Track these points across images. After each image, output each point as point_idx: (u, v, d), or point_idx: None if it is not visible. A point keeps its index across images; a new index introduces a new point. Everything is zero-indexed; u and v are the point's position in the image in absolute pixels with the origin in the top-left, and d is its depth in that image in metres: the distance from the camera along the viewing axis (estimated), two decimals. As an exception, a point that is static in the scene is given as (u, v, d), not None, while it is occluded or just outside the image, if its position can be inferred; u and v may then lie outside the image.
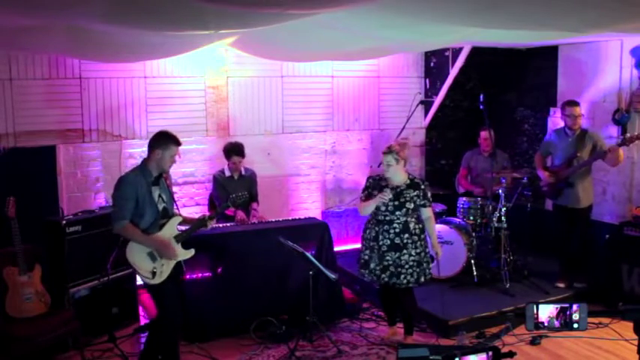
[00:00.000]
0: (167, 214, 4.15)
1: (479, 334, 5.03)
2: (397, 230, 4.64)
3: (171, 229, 4.14)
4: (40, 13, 3.43)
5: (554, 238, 6.07)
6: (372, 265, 4.71)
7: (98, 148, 6.03)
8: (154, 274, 3.99)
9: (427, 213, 4.74)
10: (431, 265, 4.80)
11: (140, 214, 3.96)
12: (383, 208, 4.66)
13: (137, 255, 3.97)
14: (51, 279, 4.72)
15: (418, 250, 4.67)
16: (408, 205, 4.65)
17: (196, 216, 4.56)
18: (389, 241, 4.65)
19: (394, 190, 4.66)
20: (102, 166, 6.03)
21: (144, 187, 3.96)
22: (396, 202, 4.65)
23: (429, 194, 4.74)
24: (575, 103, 5.70)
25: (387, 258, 4.65)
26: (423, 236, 4.74)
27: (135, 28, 3.92)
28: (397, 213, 4.64)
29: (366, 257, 4.77)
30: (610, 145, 5.48)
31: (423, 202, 4.69)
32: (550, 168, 5.89)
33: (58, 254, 4.85)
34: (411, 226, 4.67)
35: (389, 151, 4.63)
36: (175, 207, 4.28)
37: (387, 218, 4.66)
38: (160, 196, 4.09)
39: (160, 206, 4.08)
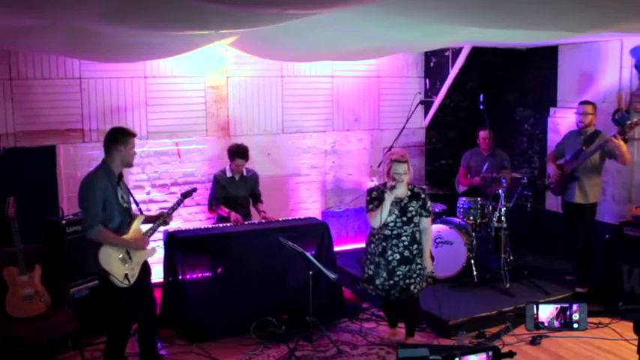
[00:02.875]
0: (130, 215, 4.17)
1: (479, 334, 5.03)
2: (406, 243, 4.61)
3: (137, 228, 4.17)
4: (41, 13, 3.43)
5: (563, 238, 6.07)
6: (378, 282, 4.64)
7: (98, 148, 5.95)
8: (126, 277, 3.99)
9: (425, 224, 4.68)
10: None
11: (109, 217, 3.95)
12: (392, 224, 4.59)
13: (112, 261, 3.94)
14: (51, 279, 4.72)
15: (423, 258, 4.69)
16: (415, 219, 4.63)
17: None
18: (399, 255, 4.60)
19: (398, 205, 4.58)
20: (102, 166, 6.02)
21: (109, 190, 3.97)
22: (404, 218, 4.60)
23: (429, 204, 4.69)
24: (587, 102, 5.73)
25: (398, 273, 4.59)
26: None
27: (135, 28, 3.92)
28: (405, 227, 4.61)
29: (371, 272, 4.69)
30: (609, 136, 5.44)
31: (420, 212, 4.65)
32: (559, 164, 5.92)
33: (58, 254, 4.86)
34: (417, 236, 4.66)
35: (404, 160, 4.53)
36: (136, 207, 4.30)
37: (395, 232, 4.61)
38: (122, 197, 4.09)
39: (124, 206, 4.10)
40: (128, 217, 4.13)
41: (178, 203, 4.46)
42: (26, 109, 5.62)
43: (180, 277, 5.08)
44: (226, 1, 3.04)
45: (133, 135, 4.12)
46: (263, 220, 5.77)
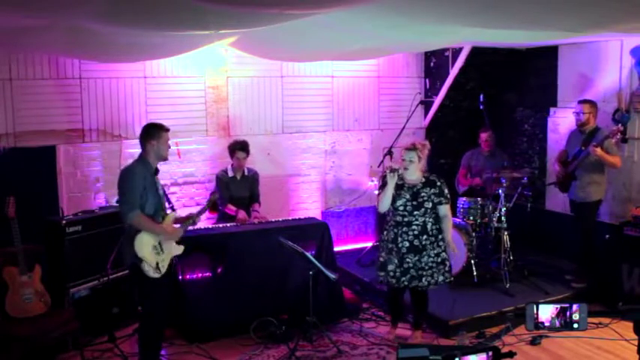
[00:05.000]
0: (163, 208, 4.26)
1: (479, 334, 5.04)
2: (416, 232, 4.66)
3: (169, 223, 4.26)
4: (41, 13, 3.43)
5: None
6: (390, 267, 4.70)
7: (98, 148, 6.02)
8: (157, 267, 4.07)
9: (444, 210, 4.74)
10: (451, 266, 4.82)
11: (144, 204, 4.05)
12: (401, 209, 4.67)
13: (146, 248, 4.04)
14: (51, 279, 4.72)
15: (436, 251, 4.69)
16: (426, 204, 4.66)
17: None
18: (408, 243, 4.66)
19: (410, 190, 4.67)
20: (102, 166, 6.03)
21: (148, 178, 4.11)
22: (414, 202, 4.66)
23: (446, 191, 4.75)
24: (582, 101, 5.84)
25: (408, 260, 4.66)
26: (440, 236, 4.74)
27: (135, 28, 3.92)
28: (415, 213, 4.65)
29: (383, 259, 4.77)
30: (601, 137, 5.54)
31: (439, 200, 4.70)
32: (563, 161, 6.01)
33: (58, 254, 4.85)
34: (429, 226, 4.68)
35: (413, 147, 4.69)
36: (169, 205, 4.37)
37: (406, 219, 4.67)
38: (159, 188, 4.25)
39: (161, 195, 4.23)
40: (162, 209, 4.22)
41: (206, 208, 4.62)
42: (26, 109, 5.61)
43: (180, 277, 5.08)
44: (227, 1, 3.05)
45: (166, 130, 4.24)
46: (255, 221, 5.75)
